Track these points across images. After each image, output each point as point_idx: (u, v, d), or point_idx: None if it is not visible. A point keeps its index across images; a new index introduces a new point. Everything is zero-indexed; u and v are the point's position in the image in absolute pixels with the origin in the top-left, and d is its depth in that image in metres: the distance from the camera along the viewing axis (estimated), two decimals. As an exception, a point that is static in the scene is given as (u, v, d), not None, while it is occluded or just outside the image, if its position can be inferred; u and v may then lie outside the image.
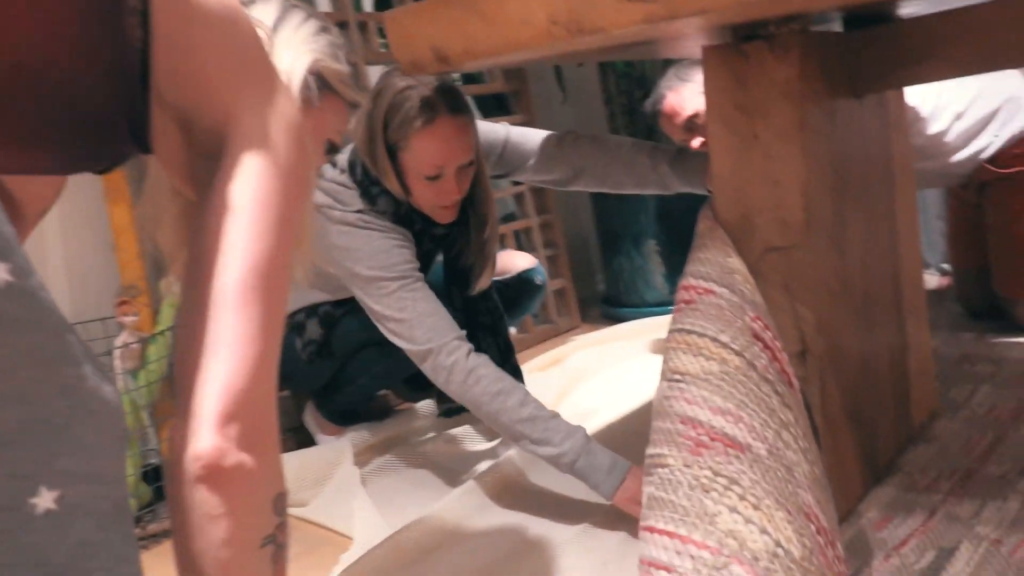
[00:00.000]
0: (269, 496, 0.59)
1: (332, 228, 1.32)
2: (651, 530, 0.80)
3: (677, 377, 0.91)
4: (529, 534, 1.25)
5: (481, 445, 1.61)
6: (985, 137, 1.74)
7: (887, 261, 1.33)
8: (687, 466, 0.82)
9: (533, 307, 1.87)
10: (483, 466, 1.48)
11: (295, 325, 1.55)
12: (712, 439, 0.84)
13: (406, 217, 1.36)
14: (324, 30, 1.07)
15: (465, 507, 1.30)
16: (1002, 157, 1.74)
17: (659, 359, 1.96)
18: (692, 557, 0.76)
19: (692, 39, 1.28)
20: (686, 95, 1.91)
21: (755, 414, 0.87)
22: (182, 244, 0.80)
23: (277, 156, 0.61)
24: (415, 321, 1.27)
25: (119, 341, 1.51)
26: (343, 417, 1.65)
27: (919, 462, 1.30)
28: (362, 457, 1.55)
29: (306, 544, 1.35)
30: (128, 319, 1.51)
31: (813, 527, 0.82)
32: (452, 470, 1.51)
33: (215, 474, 0.56)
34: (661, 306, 2.44)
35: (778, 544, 0.76)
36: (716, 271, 1.01)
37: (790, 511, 0.79)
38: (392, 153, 1.31)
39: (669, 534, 0.79)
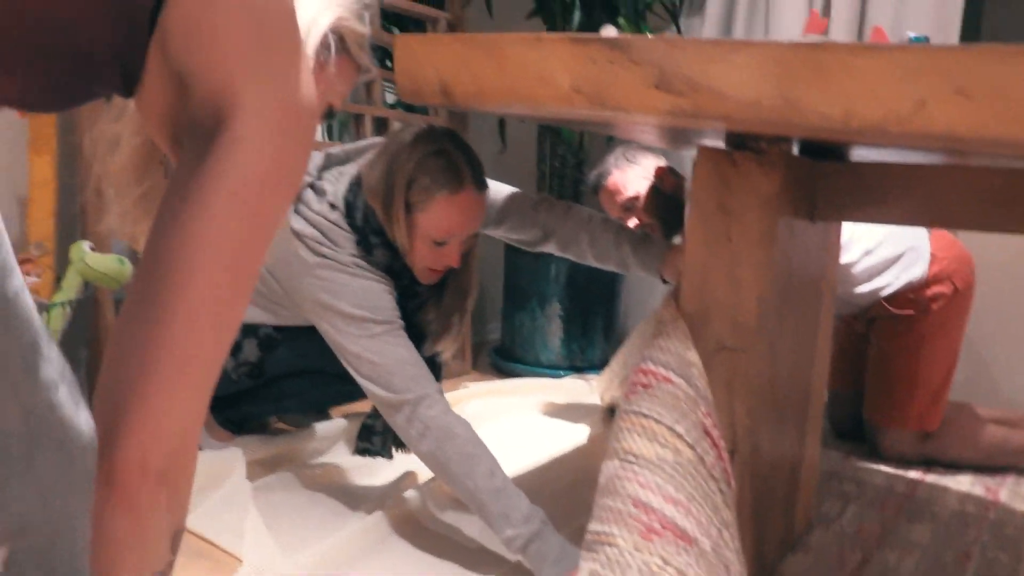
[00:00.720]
0: (171, 531, 0.56)
1: (314, 261, 1.28)
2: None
3: (631, 458, 0.92)
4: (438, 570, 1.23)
5: (381, 473, 1.57)
6: (887, 277, 1.89)
7: (803, 373, 1.41)
8: (637, 550, 0.84)
9: None
10: (385, 494, 1.44)
11: None
12: (663, 527, 0.86)
13: (398, 272, 1.35)
14: None
15: (369, 539, 1.26)
16: (897, 298, 1.90)
17: (551, 421, 2.01)
18: None
19: (659, 132, 1.34)
20: (630, 176, 1.99)
21: (702, 509, 0.90)
22: (133, 183, 0.74)
23: (275, 150, 0.55)
24: (394, 368, 1.24)
25: (13, 300, 1.38)
26: (236, 425, 1.57)
27: (798, 569, 1.38)
28: (251, 470, 1.48)
29: (182, 555, 1.27)
30: (28, 279, 1.39)
31: None
32: (350, 495, 1.46)
33: (129, 503, 0.52)
34: (553, 368, 2.48)
35: None
36: (676, 361, 1.05)
37: None
38: (407, 209, 1.30)
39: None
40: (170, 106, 0.56)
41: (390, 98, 2.55)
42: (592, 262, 1.51)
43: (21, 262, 1.40)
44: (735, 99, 0.92)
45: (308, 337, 1.37)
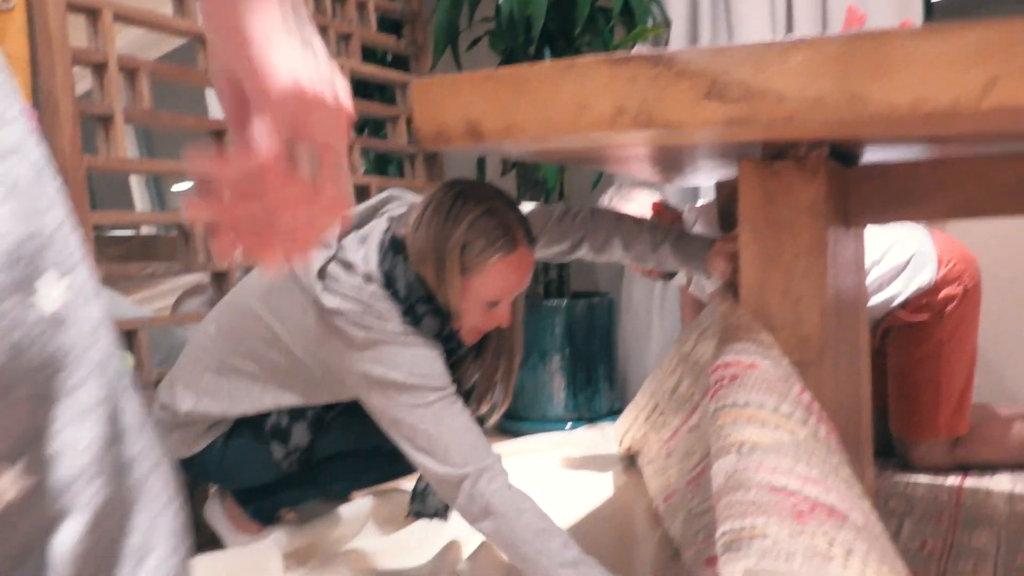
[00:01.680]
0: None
1: (360, 336, 1.21)
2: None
3: (748, 449, 0.86)
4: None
5: (421, 550, 1.46)
6: (897, 285, 1.88)
7: (855, 390, 1.37)
8: (794, 535, 0.76)
9: None
10: (432, 572, 1.34)
11: (276, 430, 1.36)
12: (813, 507, 0.79)
13: (445, 337, 1.29)
14: None
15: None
16: (910, 306, 1.88)
17: (575, 475, 1.93)
18: None
19: (687, 156, 1.31)
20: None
21: (838, 483, 0.83)
22: None
23: None
24: (451, 440, 1.17)
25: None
26: (267, 516, 1.46)
27: (880, 593, 1.31)
28: (285, 563, 1.36)
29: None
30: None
31: None
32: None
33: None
34: (560, 422, 2.41)
35: None
36: (754, 347, 1.00)
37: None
38: (461, 272, 1.25)
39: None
40: None
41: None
42: (627, 263, 1.46)
43: None
44: (796, 100, 0.89)
45: (357, 415, 1.29)
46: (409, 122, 2.44)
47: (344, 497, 1.64)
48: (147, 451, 0.43)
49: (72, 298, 0.40)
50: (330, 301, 1.22)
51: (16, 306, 0.37)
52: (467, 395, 1.39)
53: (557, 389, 2.41)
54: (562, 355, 2.39)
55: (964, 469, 1.93)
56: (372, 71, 2.30)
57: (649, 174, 1.82)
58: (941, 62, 0.84)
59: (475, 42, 2.55)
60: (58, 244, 0.40)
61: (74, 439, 0.39)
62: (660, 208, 1.95)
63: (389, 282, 1.25)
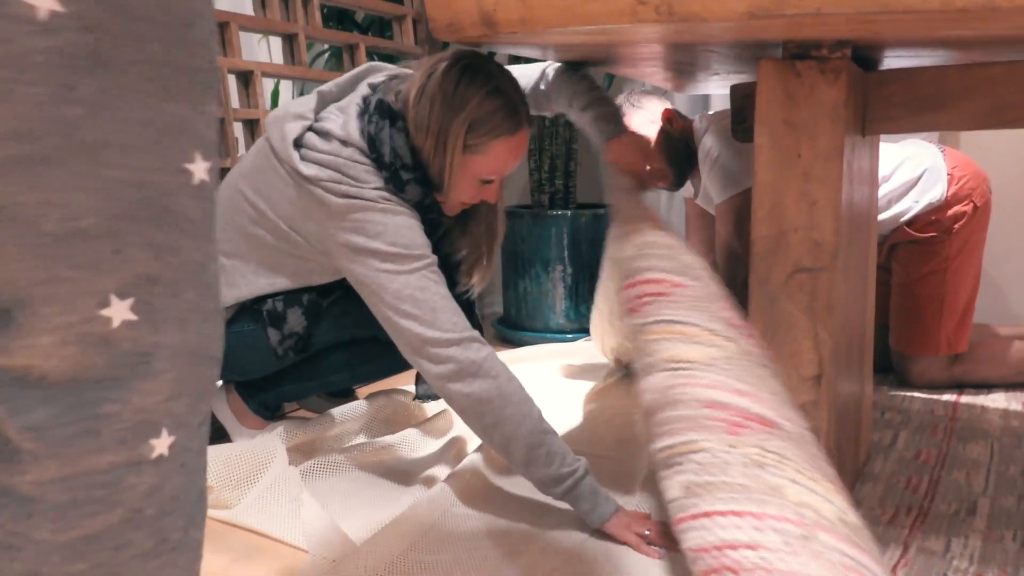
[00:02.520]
0: None
1: (338, 203, 1.20)
2: (709, 515, 0.75)
3: (681, 365, 0.87)
4: (511, 533, 1.15)
5: (424, 446, 1.49)
6: (906, 201, 1.86)
7: (862, 301, 1.37)
8: (731, 447, 0.78)
9: None
10: (436, 469, 1.36)
11: (272, 315, 1.35)
12: (746, 419, 0.80)
13: (427, 206, 1.28)
14: None
15: (435, 512, 1.19)
16: (918, 222, 1.87)
17: (573, 384, 1.95)
18: (776, 531, 0.71)
19: (702, 58, 1.28)
20: (637, 122, 1.92)
21: (767, 395, 0.85)
22: None
23: None
24: (439, 304, 1.17)
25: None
26: (271, 410, 1.47)
27: (874, 497, 1.34)
28: (290, 457, 1.39)
29: (235, 552, 1.17)
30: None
31: (847, 497, 0.81)
32: (399, 472, 1.38)
33: None
34: (562, 333, 2.42)
35: (842, 511, 0.73)
36: (679, 266, 0.99)
37: (832, 481, 0.78)
38: (463, 150, 1.25)
39: (738, 514, 0.74)
40: None
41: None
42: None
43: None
44: (826, -10, 0.86)
45: (354, 302, 1.29)
46: (416, 23, 2.37)
47: (346, 391, 1.66)
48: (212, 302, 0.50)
49: (208, 180, 0.47)
50: (307, 169, 1.22)
51: (176, 174, 0.45)
52: (455, 267, 1.40)
53: (559, 300, 2.41)
54: (565, 266, 2.39)
55: (961, 386, 1.95)
56: (370, 2, 2.22)
57: (662, 79, 1.78)
58: (980, -47, 0.81)
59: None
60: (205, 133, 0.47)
61: (175, 294, 0.46)
62: (671, 115, 1.91)
63: (373, 146, 1.25)
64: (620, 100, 1.96)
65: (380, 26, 2.55)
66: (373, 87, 1.32)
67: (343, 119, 1.27)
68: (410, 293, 1.17)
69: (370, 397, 1.60)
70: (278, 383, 1.44)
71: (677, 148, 1.92)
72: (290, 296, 1.35)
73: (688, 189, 2.08)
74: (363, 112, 1.27)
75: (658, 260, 0.99)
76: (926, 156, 1.88)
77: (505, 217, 1.43)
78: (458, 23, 1.06)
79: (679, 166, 1.94)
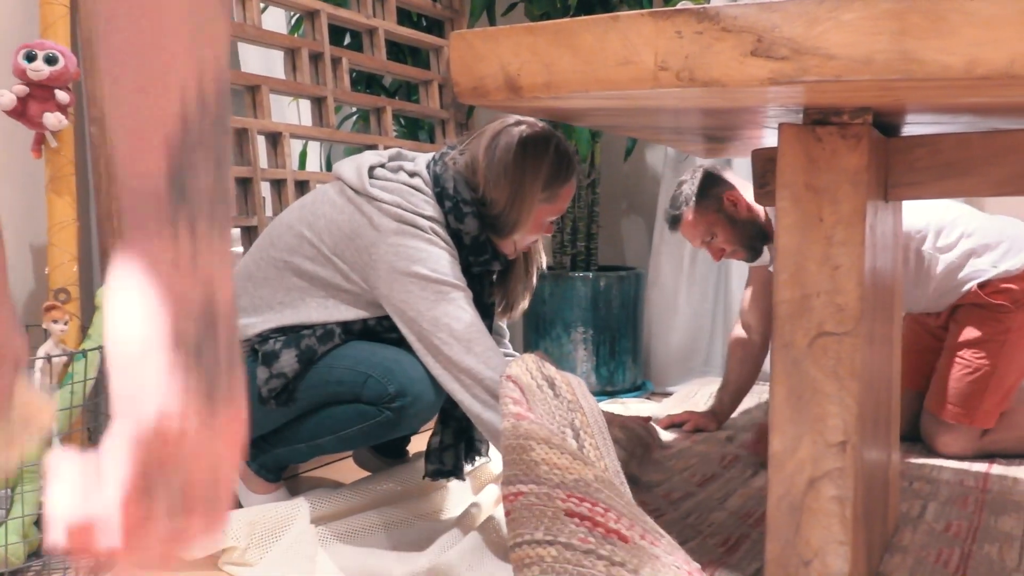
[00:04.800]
0: None
1: (392, 227, 1.30)
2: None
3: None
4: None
5: (440, 515, 1.47)
6: (984, 262, 1.83)
7: (887, 366, 1.35)
8: None
9: None
10: (451, 536, 1.34)
11: (267, 354, 1.34)
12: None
13: (480, 245, 1.39)
14: None
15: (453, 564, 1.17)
16: (989, 287, 1.84)
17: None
18: None
19: (724, 123, 1.29)
20: (695, 214, 1.91)
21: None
22: None
23: None
24: (475, 335, 1.28)
25: (42, 351, 1.28)
26: (274, 473, 1.45)
27: (903, 571, 1.30)
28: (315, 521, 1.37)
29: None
30: (57, 327, 1.29)
31: None
32: (417, 537, 1.36)
33: None
34: (582, 395, 2.40)
35: None
36: (522, 469, 1.05)
37: None
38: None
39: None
40: None
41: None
42: None
43: (47, 310, 1.30)
44: (846, 59, 0.86)
45: (344, 356, 1.33)
46: (441, 88, 2.42)
47: (397, 451, 1.66)
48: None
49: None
50: (373, 190, 1.33)
51: None
52: (488, 309, 1.47)
53: (581, 361, 2.40)
54: (587, 328, 2.38)
55: (987, 458, 1.90)
56: (407, 33, 2.28)
57: (683, 144, 1.80)
58: (998, 22, 0.82)
59: (511, 7, 2.52)
60: None
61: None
62: (734, 199, 1.89)
63: (437, 182, 1.37)
64: (684, 193, 1.94)
65: (407, 90, 2.61)
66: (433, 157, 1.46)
67: (414, 162, 1.41)
68: (447, 322, 1.26)
69: (387, 467, 1.59)
70: (273, 445, 1.41)
71: (745, 229, 1.92)
72: (290, 338, 1.34)
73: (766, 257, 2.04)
74: (432, 160, 1.41)
75: (509, 469, 1.06)
76: (1009, 226, 1.88)
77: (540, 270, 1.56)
78: (483, 87, 1.08)
79: (750, 244, 1.93)
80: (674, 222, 1.96)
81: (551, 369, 1.22)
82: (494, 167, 1.36)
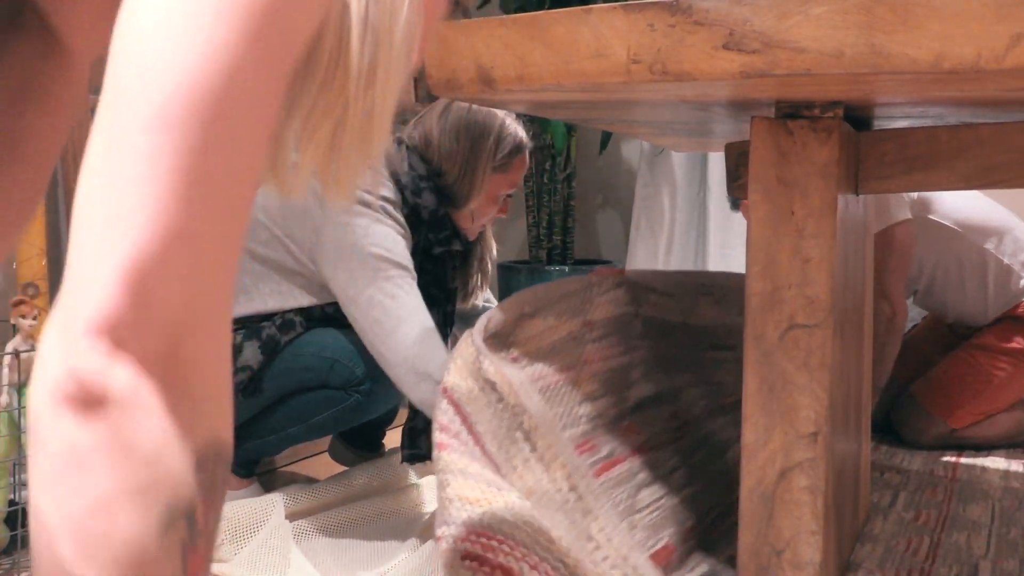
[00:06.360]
0: (189, 454, 0.38)
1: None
2: None
3: None
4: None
5: (417, 509, 1.46)
6: None
7: (857, 359, 1.36)
8: None
9: None
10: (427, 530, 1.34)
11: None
12: None
13: (439, 220, 1.39)
14: None
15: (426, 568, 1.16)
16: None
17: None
18: None
19: (698, 117, 1.30)
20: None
21: None
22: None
23: None
24: (407, 315, 1.26)
25: (9, 347, 1.26)
26: (246, 468, 1.44)
27: (873, 560, 1.31)
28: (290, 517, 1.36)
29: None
30: (25, 322, 1.27)
31: None
32: (392, 531, 1.36)
33: (90, 401, 0.36)
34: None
35: None
36: (440, 509, 0.98)
37: None
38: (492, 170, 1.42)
39: None
40: None
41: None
42: None
43: (15, 304, 1.28)
44: (816, 52, 0.87)
45: (308, 343, 1.33)
46: (416, 81, 2.41)
47: (370, 444, 1.65)
48: None
49: None
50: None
51: None
52: (451, 294, 1.49)
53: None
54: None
55: (958, 448, 1.92)
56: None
57: (658, 138, 1.81)
58: (966, 17, 0.83)
59: (486, 1, 2.52)
60: None
61: None
62: None
63: (389, 163, 1.37)
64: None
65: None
66: None
67: None
68: (380, 299, 1.25)
69: (362, 462, 1.58)
70: (242, 439, 1.40)
71: None
72: (251, 330, 1.34)
73: None
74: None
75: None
76: None
77: (494, 246, 1.59)
78: (456, 80, 1.08)
79: None
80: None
81: (490, 369, 1.10)
82: (447, 135, 1.39)
